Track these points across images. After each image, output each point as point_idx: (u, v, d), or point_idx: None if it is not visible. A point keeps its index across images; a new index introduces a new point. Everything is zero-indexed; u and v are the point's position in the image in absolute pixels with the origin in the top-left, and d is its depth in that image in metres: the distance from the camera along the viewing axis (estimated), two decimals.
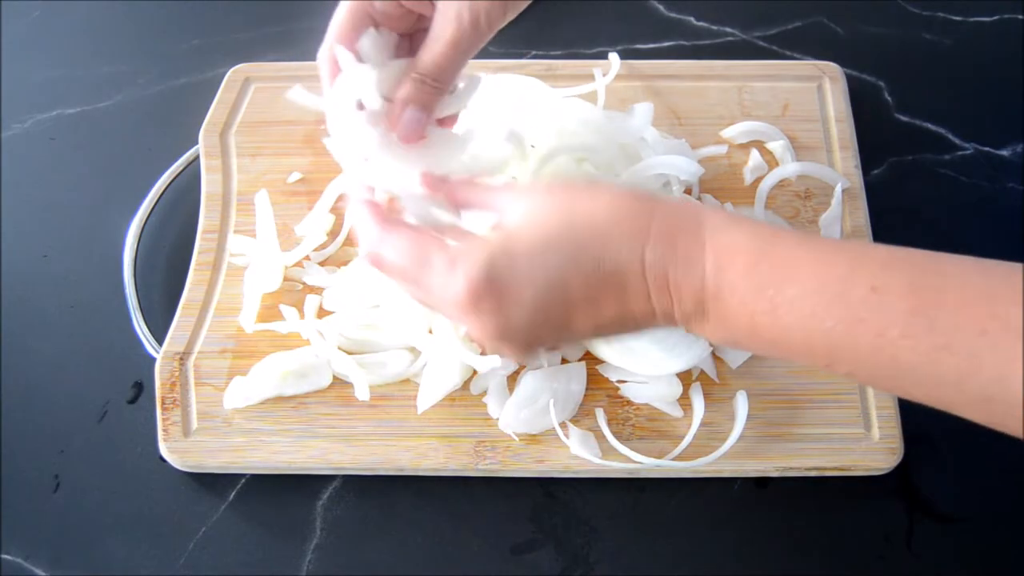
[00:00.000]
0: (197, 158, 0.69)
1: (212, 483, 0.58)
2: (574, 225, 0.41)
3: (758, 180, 0.67)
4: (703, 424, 0.57)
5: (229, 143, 0.69)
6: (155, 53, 0.78)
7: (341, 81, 0.47)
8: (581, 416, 0.58)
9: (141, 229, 0.67)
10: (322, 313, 0.61)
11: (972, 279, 0.36)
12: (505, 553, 0.56)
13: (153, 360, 0.61)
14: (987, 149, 0.71)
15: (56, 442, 0.60)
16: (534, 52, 0.77)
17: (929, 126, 0.72)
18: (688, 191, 0.66)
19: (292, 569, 0.56)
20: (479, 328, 0.43)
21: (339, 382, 0.60)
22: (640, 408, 0.59)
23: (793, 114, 0.70)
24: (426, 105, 0.47)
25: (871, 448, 0.57)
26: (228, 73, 0.72)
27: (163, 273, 0.66)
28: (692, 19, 0.79)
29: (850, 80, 0.72)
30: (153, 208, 0.68)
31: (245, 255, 0.64)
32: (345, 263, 0.64)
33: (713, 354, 0.60)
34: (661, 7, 0.80)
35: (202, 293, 0.63)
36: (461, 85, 0.50)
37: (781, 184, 0.67)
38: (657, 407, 0.59)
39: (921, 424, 0.58)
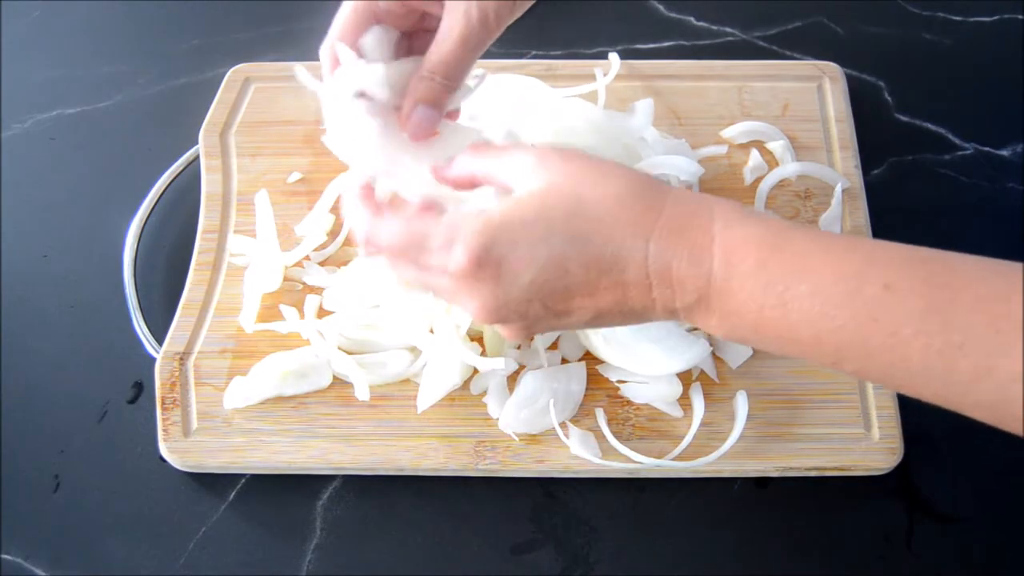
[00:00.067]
0: (197, 158, 0.69)
1: (212, 483, 0.58)
2: (580, 211, 0.41)
3: (758, 180, 0.67)
4: (703, 424, 0.57)
5: (229, 143, 0.69)
6: (155, 53, 0.78)
7: (340, 73, 0.47)
8: (581, 416, 0.58)
9: (141, 229, 0.67)
10: (322, 313, 0.61)
11: (986, 278, 0.36)
12: (505, 553, 0.56)
13: (153, 360, 0.61)
14: (987, 149, 0.71)
15: (56, 442, 0.60)
16: (534, 52, 0.77)
17: (929, 126, 0.72)
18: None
19: (292, 569, 0.56)
20: (477, 301, 0.43)
21: (339, 382, 0.60)
22: (640, 408, 0.59)
23: (793, 114, 0.70)
24: (437, 103, 0.47)
25: (871, 448, 0.57)
26: (228, 73, 0.72)
27: (163, 273, 0.66)
28: (692, 19, 0.79)
29: (850, 80, 0.72)
30: (153, 208, 0.68)
31: (245, 255, 0.64)
32: (345, 263, 0.64)
33: (713, 354, 0.60)
34: (661, 7, 0.80)
35: (202, 293, 0.63)
36: (471, 83, 0.50)
37: (781, 184, 0.67)
38: (657, 407, 0.59)
39: (921, 424, 0.58)
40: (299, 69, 0.49)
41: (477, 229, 0.41)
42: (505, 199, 0.42)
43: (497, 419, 0.58)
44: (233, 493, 0.58)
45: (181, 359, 0.61)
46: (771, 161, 0.68)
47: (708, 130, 0.69)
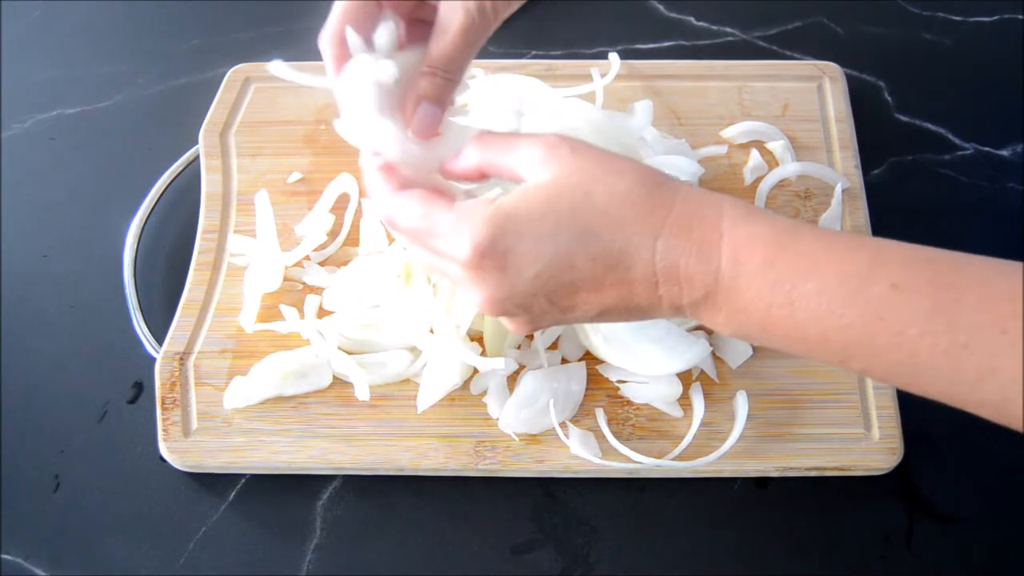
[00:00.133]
0: (197, 158, 0.69)
1: (212, 483, 0.58)
2: (588, 207, 0.41)
3: (758, 180, 0.67)
4: (703, 424, 0.57)
5: (229, 143, 0.69)
6: (155, 53, 0.78)
7: (356, 67, 0.46)
8: (581, 416, 0.58)
9: (141, 229, 0.67)
10: (322, 313, 0.61)
11: (991, 278, 0.36)
12: (505, 553, 0.56)
13: (153, 360, 0.61)
14: (987, 149, 0.71)
15: (56, 442, 0.60)
16: (534, 52, 0.77)
17: (929, 126, 0.72)
18: None
19: (292, 569, 0.56)
20: (484, 291, 0.43)
21: (339, 382, 0.60)
22: (640, 408, 0.59)
23: (793, 114, 0.70)
24: (440, 99, 0.47)
25: (871, 448, 0.57)
26: (228, 73, 0.72)
27: (163, 273, 0.66)
28: (692, 19, 0.79)
29: (850, 80, 0.72)
30: (153, 208, 0.68)
31: (245, 255, 0.64)
32: (345, 263, 0.64)
33: (713, 354, 0.60)
34: (661, 7, 0.80)
35: (202, 293, 0.63)
36: (470, 82, 0.50)
37: (781, 184, 0.67)
38: (657, 407, 0.59)
39: (921, 424, 0.58)
40: (276, 64, 0.48)
41: (485, 218, 0.41)
42: (514, 190, 0.42)
43: (497, 419, 0.58)
44: (233, 493, 0.58)
45: (181, 359, 0.61)
46: (771, 161, 0.68)
47: (708, 130, 0.69)
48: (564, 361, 0.60)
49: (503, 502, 0.57)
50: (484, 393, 0.59)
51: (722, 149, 0.68)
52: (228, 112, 0.70)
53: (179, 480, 0.59)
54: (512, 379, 0.59)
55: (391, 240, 0.63)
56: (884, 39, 0.77)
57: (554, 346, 0.60)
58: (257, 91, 0.72)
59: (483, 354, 0.59)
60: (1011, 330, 0.34)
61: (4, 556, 0.56)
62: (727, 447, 0.56)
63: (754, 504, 0.57)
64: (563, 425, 0.57)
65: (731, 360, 0.60)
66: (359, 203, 0.66)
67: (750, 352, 0.60)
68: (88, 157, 0.73)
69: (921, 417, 0.58)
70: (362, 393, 0.57)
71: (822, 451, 0.57)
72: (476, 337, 0.59)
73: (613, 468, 0.56)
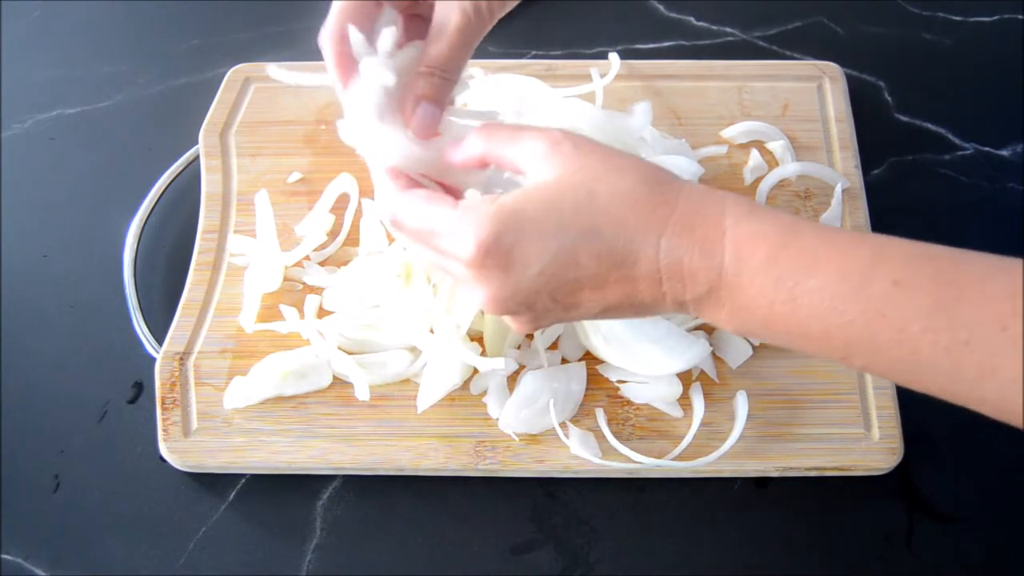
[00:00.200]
0: (197, 158, 0.69)
1: (212, 483, 0.58)
2: (591, 206, 0.41)
3: (758, 180, 0.67)
4: (703, 424, 0.57)
5: (229, 143, 0.69)
6: (155, 53, 0.78)
7: (365, 73, 0.46)
8: (581, 416, 0.58)
9: (141, 229, 0.67)
10: (322, 313, 0.61)
11: (992, 276, 0.36)
12: (505, 553, 0.56)
13: (153, 360, 0.61)
14: (987, 149, 0.71)
15: (56, 442, 0.60)
16: (534, 52, 0.77)
17: (929, 126, 0.72)
18: None
19: (292, 569, 0.56)
20: (487, 290, 0.43)
21: (339, 382, 0.60)
22: (640, 408, 0.59)
23: (793, 114, 0.70)
24: (438, 99, 0.47)
25: (871, 448, 0.57)
26: (228, 73, 0.72)
27: (163, 273, 0.66)
28: (692, 19, 0.79)
29: (850, 80, 0.72)
30: (153, 208, 0.68)
31: (245, 255, 0.64)
32: (345, 263, 0.64)
33: (713, 354, 0.60)
34: (661, 7, 0.80)
35: (202, 293, 0.63)
36: (469, 82, 0.50)
37: (781, 184, 0.67)
38: (657, 407, 0.59)
39: (921, 424, 0.58)
40: (272, 68, 0.48)
41: (489, 216, 0.41)
42: (516, 188, 0.42)
43: (497, 419, 0.58)
44: (233, 493, 0.58)
45: (181, 359, 0.61)
46: (771, 161, 0.68)
47: (708, 130, 0.69)
48: (564, 361, 0.60)
49: (503, 502, 0.57)
50: (484, 393, 0.59)
51: (722, 149, 0.68)
52: (228, 112, 0.70)
53: (179, 480, 0.59)
54: (512, 379, 0.59)
55: (391, 240, 0.63)
56: (884, 39, 0.77)
57: (554, 346, 0.60)
58: (257, 91, 0.72)
59: (483, 354, 0.59)
60: (1011, 327, 0.34)
61: (4, 556, 0.56)
62: (727, 447, 0.56)
63: (754, 504, 0.57)
64: (563, 425, 0.57)
65: (731, 360, 0.60)
66: (359, 203, 0.66)
67: (750, 352, 0.60)
68: (88, 157, 0.73)
69: (921, 417, 0.58)
70: (362, 393, 0.57)
71: (822, 451, 0.57)
72: (476, 337, 0.59)
73: (613, 468, 0.56)
